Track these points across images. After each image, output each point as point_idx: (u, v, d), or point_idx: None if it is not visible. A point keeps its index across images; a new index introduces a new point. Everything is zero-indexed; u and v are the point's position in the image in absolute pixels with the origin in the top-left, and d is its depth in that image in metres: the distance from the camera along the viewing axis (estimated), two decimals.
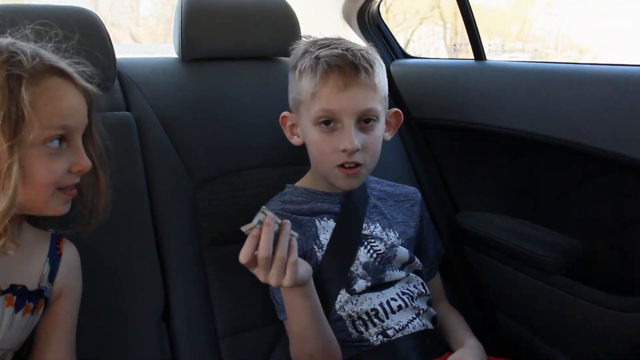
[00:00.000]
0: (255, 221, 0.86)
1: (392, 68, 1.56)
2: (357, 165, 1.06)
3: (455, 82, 1.43)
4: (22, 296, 0.82)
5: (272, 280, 0.87)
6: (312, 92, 1.05)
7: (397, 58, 1.62)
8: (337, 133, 1.05)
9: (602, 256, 1.23)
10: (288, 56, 1.33)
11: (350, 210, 1.13)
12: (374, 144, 1.08)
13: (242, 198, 1.18)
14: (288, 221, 0.88)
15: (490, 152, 1.43)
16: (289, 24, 1.31)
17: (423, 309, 1.12)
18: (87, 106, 0.85)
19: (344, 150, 1.03)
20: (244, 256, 0.86)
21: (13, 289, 0.82)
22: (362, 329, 1.06)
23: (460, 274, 1.35)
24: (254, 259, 0.86)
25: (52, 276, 0.86)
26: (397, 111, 1.17)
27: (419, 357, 1.07)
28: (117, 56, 1.13)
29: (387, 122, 1.14)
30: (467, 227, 1.39)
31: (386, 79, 1.12)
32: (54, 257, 0.88)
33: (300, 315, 0.98)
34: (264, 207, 0.87)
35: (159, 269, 1.09)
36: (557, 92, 1.21)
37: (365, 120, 1.06)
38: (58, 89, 0.80)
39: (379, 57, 1.11)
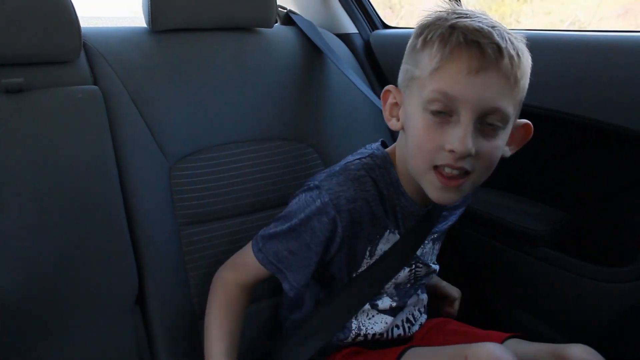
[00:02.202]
0: None
1: (371, 39, 1.52)
2: (462, 174, 0.82)
3: None
4: None
5: None
6: (435, 67, 0.80)
7: (377, 29, 1.57)
8: (450, 127, 0.80)
9: (587, 227, 1.21)
10: (264, 26, 1.30)
11: (420, 230, 0.96)
12: (491, 154, 0.82)
13: (217, 174, 1.13)
14: None
15: None
16: None
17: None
18: None
19: (450, 151, 0.79)
20: None
21: None
22: (359, 340, 1.02)
23: (444, 248, 1.32)
24: None
25: None
26: (528, 124, 0.91)
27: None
28: (82, 25, 1.07)
29: (511, 135, 0.88)
30: None
31: (528, 81, 0.86)
32: None
33: None
34: None
35: (131, 251, 1.04)
36: (538, 60, 1.17)
37: (488, 123, 0.81)
38: None
39: (527, 51, 0.85)
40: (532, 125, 0.92)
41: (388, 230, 0.94)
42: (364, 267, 0.96)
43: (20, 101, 0.99)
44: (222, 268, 1.02)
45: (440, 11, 0.85)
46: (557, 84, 1.12)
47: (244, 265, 0.99)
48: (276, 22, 1.43)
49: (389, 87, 0.91)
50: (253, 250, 0.96)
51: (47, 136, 1.00)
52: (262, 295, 1.13)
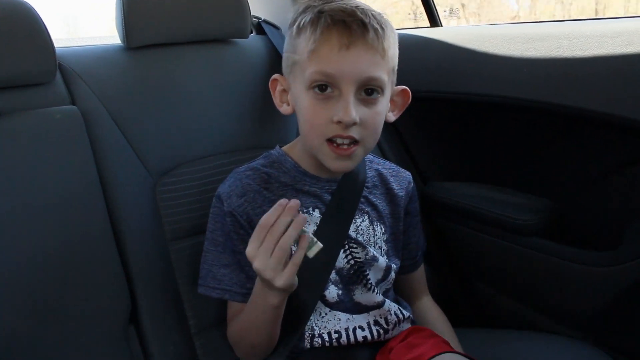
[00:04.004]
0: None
1: None
2: (352, 143, 0.90)
3: (411, 51, 1.39)
4: None
5: (268, 271, 0.79)
6: (310, 50, 0.89)
7: None
8: (333, 101, 0.89)
9: (573, 213, 1.23)
10: (239, 37, 1.30)
11: (342, 203, 0.99)
12: (375, 119, 0.91)
13: (201, 187, 1.12)
14: (304, 216, 0.81)
15: (452, 120, 1.41)
16: (237, 3, 1.25)
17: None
18: None
19: (338, 122, 0.88)
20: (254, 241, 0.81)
21: None
22: (318, 344, 0.97)
23: (434, 246, 1.33)
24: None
25: None
26: (405, 89, 1.01)
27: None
28: (56, 46, 1.06)
29: (392, 101, 0.99)
30: (437, 198, 1.36)
31: (397, 50, 0.96)
32: None
33: (263, 320, 0.90)
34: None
35: (121, 270, 1.03)
36: (515, 53, 1.19)
37: (367, 92, 0.90)
38: None
39: (392, 24, 0.94)
40: (409, 90, 1.01)
41: (300, 212, 0.94)
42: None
43: None
44: (227, 332, 1.02)
45: (309, 1, 0.95)
46: (536, 74, 1.13)
47: (231, 314, 1.00)
48: (252, 32, 1.43)
49: (276, 75, 0.99)
50: (205, 293, 0.99)
51: (28, 159, 0.99)
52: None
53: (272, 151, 1.05)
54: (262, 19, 1.46)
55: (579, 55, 1.07)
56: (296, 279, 0.84)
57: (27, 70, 1.03)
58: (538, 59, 1.14)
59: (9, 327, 0.93)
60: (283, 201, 0.81)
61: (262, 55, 1.32)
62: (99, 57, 1.17)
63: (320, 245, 0.82)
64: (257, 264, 0.80)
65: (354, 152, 0.91)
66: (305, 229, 0.82)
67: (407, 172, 1.13)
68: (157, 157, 1.12)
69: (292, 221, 0.80)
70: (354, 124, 0.88)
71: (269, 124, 1.25)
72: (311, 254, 0.82)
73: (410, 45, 1.40)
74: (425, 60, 1.35)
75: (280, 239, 0.80)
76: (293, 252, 0.82)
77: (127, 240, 1.05)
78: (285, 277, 0.80)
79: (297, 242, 0.82)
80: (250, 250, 0.81)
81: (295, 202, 0.81)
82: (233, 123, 1.21)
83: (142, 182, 1.09)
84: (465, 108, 1.35)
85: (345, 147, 0.90)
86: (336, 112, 0.88)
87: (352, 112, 0.87)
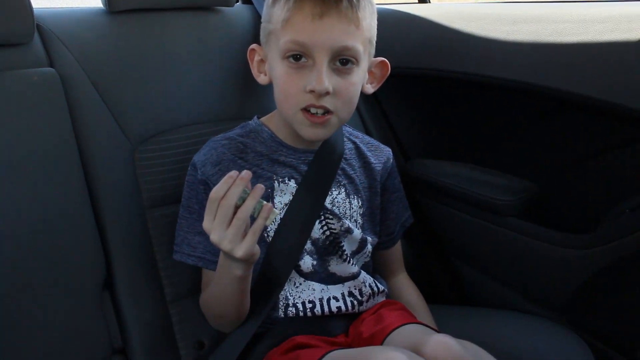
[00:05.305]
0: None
1: None
2: (325, 112, 0.91)
3: (397, 27, 1.38)
4: None
5: (225, 243, 0.79)
6: (284, 19, 0.89)
7: None
8: (307, 71, 0.89)
9: (553, 195, 1.23)
10: (224, 5, 1.27)
11: (319, 173, 1.00)
12: (349, 90, 0.92)
13: (181, 155, 1.11)
14: (261, 186, 0.80)
15: (436, 98, 1.41)
16: None
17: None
18: None
19: (311, 91, 0.88)
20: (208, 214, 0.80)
21: None
22: (292, 314, 0.97)
23: (414, 223, 1.33)
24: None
25: None
26: (384, 61, 1.00)
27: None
28: (35, 6, 1.03)
29: (370, 73, 1.00)
30: (418, 175, 1.36)
31: (375, 21, 0.96)
32: None
33: (229, 291, 0.89)
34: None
35: (97, 235, 1.02)
36: (501, 35, 1.18)
37: (342, 62, 0.90)
38: None
39: None
40: (388, 62, 1.01)
41: (276, 181, 0.98)
42: (274, 224, 0.97)
43: None
44: (199, 299, 1.02)
45: None
46: (522, 55, 1.13)
47: (204, 282, 1.00)
48: (237, 1, 1.40)
49: (253, 45, 0.99)
50: (180, 260, 1.00)
51: (3, 120, 0.96)
52: None
53: (249, 121, 1.05)
54: None
55: (564, 41, 1.06)
56: (257, 248, 0.83)
57: (4, 30, 1.00)
58: (524, 42, 1.13)
59: None
60: (233, 173, 0.80)
61: (247, 25, 1.30)
62: (79, 20, 1.14)
63: (276, 212, 0.82)
64: (213, 237, 0.80)
65: (327, 121, 0.92)
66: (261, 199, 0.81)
67: (388, 148, 1.13)
68: (136, 124, 1.10)
69: (244, 192, 0.79)
70: (327, 93, 0.89)
71: (251, 94, 1.24)
72: (268, 221, 0.81)
73: (398, 21, 1.39)
74: (411, 37, 1.34)
75: (238, 210, 0.79)
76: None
77: (103, 206, 1.04)
78: (244, 247, 0.80)
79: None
80: (205, 223, 0.81)
81: (246, 173, 0.80)
82: (215, 92, 1.20)
83: (120, 148, 1.08)
84: (450, 87, 1.34)
85: (319, 115, 0.91)
86: (309, 82, 0.88)
87: (324, 82, 0.87)
